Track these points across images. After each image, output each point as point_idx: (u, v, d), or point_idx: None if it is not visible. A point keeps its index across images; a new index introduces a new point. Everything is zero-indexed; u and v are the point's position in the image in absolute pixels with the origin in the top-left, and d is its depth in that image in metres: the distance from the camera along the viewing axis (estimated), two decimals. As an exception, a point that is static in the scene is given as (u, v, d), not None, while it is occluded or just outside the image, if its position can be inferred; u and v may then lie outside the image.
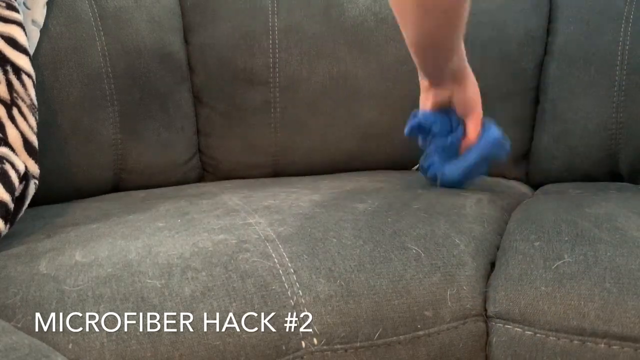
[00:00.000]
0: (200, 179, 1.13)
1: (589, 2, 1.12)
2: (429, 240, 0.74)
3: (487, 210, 0.87)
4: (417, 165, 1.02)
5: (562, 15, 1.14)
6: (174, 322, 0.61)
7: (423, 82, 0.96)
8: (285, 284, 0.65)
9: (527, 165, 1.16)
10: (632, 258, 0.68)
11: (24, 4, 0.90)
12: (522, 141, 1.15)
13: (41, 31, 0.92)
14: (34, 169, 0.80)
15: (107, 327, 0.60)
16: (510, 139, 1.07)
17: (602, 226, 0.75)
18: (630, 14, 1.07)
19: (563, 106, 1.11)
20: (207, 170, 1.14)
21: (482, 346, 0.71)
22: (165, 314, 0.61)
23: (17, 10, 0.84)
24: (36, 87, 0.83)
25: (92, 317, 0.60)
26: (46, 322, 0.60)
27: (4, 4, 0.83)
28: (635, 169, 1.07)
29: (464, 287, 0.70)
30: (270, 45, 1.09)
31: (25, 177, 0.78)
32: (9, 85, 0.80)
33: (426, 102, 0.96)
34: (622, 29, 1.07)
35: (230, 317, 0.62)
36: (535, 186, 1.13)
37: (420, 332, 0.67)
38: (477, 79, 1.14)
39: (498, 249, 0.78)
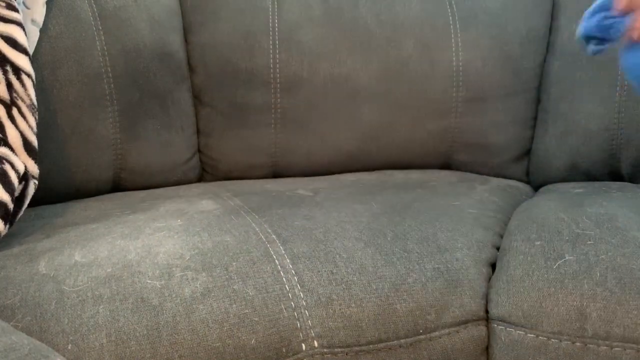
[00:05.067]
0: (200, 179, 1.13)
1: (592, 0, 1.12)
2: (432, 244, 0.73)
3: (488, 211, 0.87)
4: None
5: (564, 14, 1.14)
6: (173, 323, 0.61)
7: None
8: (286, 286, 0.65)
9: (528, 165, 1.16)
10: (633, 258, 0.68)
11: (24, 3, 0.90)
12: (523, 141, 1.15)
13: (41, 31, 0.92)
14: (34, 169, 0.80)
15: (106, 328, 0.60)
16: (510, 139, 1.07)
17: (603, 226, 0.75)
18: (632, 14, 1.07)
19: (564, 106, 1.10)
20: (206, 170, 1.13)
21: (483, 350, 0.70)
22: (165, 314, 0.61)
23: (16, 10, 0.84)
24: (35, 86, 0.83)
25: (91, 318, 0.60)
26: (45, 322, 0.60)
27: (3, 4, 0.82)
28: (637, 169, 1.07)
29: (467, 292, 0.70)
30: (271, 46, 1.09)
31: (24, 177, 0.78)
32: (9, 85, 0.80)
33: None
34: (623, 29, 1.07)
35: (230, 319, 0.62)
36: (536, 186, 1.13)
37: (422, 336, 0.67)
38: (478, 78, 1.14)
39: (499, 250, 0.78)
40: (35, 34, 0.91)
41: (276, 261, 0.67)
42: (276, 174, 1.14)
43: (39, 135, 0.82)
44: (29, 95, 0.81)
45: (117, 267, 0.66)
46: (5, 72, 0.80)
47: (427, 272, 0.70)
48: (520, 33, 1.15)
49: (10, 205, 0.73)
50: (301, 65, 1.09)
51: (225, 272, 0.65)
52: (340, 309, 0.65)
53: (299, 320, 0.64)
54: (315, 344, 0.64)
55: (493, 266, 0.75)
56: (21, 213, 0.78)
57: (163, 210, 0.84)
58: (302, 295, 0.65)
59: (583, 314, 0.65)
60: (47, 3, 0.93)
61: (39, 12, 0.92)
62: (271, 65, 1.09)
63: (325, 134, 1.12)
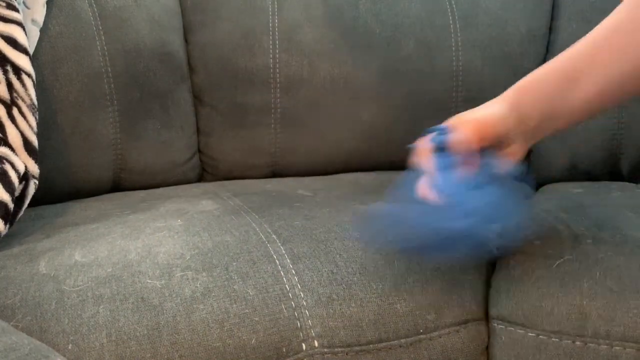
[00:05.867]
0: (200, 178, 1.13)
1: (591, 0, 1.12)
2: (432, 243, 0.73)
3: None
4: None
5: (564, 14, 1.14)
6: (173, 323, 0.61)
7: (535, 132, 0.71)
8: (287, 286, 0.65)
9: (528, 165, 1.16)
10: (633, 258, 0.68)
11: (24, 3, 0.90)
12: (523, 141, 1.15)
13: (41, 30, 0.92)
14: (34, 168, 0.80)
15: (106, 328, 0.60)
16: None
17: (603, 226, 0.75)
18: (632, 14, 1.07)
19: (564, 106, 1.11)
20: (206, 170, 1.13)
21: (483, 349, 0.70)
22: (166, 314, 0.61)
23: (17, 10, 0.84)
24: (36, 86, 0.83)
25: (91, 318, 0.60)
26: (46, 322, 0.60)
27: (4, 4, 0.82)
28: (637, 169, 1.07)
29: (467, 291, 0.70)
30: (271, 46, 1.09)
31: (25, 177, 0.78)
32: (9, 85, 0.80)
33: (517, 152, 0.72)
34: (623, 29, 1.07)
35: (231, 319, 0.62)
36: (536, 186, 1.13)
37: (422, 336, 0.67)
38: (478, 78, 1.14)
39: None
40: (35, 33, 0.91)
41: (276, 261, 0.68)
42: (276, 174, 1.13)
43: (39, 135, 0.82)
44: (29, 95, 0.81)
45: (117, 267, 0.66)
46: (5, 72, 0.80)
47: (427, 272, 0.70)
48: (520, 33, 1.15)
49: (11, 205, 0.74)
50: (301, 65, 1.09)
51: (225, 272, 0.65)
52: (340, 309, 0.65)
53: (299, 320, 0.64)
54: (316, 343, 0.64)
55: (493, 266, 0.75)
56: (21, 213, 0.78)
57: (163, 210, 0.84)
58: (302, 295, 0.65)
59: (583, 313, 0.66)
60: (47, 3, 0.93)
61: (39, 11, 0.92)
62: (271, 65, 1.09)
63: (325, 134, 1.12)
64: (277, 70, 1.09)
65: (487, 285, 0.72)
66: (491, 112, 0.71)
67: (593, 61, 0.69)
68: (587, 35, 0.71)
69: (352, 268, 0.68)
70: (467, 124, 0.70)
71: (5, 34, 0.81)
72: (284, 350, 0.63)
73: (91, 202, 0.94)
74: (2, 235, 0.73)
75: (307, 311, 0.64)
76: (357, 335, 0.65)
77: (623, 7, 0.69)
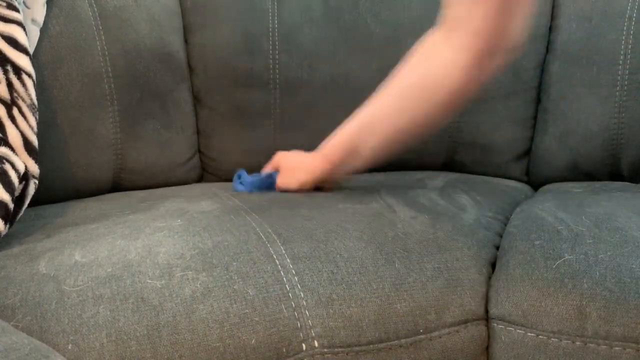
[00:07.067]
0: (200, 179, 1.13)
1: (592, 0, 1.12)
2: (432, 243, 0.73)
3: (487, 211, 0.87)
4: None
5: (565, 13, 1.14)
6: (174, 323, 0.61)
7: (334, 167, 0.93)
8: (287, 286, 0.65)
9: (528, 165, 1.16)
10: (632, 258, 0.68)
11: (24, 3, 0.90)
12: (523, 140, 1.15)
13: (41, 30, 0.92)
14: (34, 168, 0.80)
15: (106, 328, 0.60)
16: (510, 139, 1.06)
17: (603, 226, 0.75)
18: (634, 13, 1.07)
19: (565, 105, 1.11)
20: (206, 170, 1.13)
21: (483, 349, 0.71)
22: (166, 314, 0.61)
23: (17, 10, 0.84)
24: (36, 86, 0.83)
25: (91, 318, 0.60)
26: (46, 322, 0.60)
27: (4, 4, 0.82)
28: (637, 169, 1.07)
29: (467, 291, 0.70)
30: (270, 47, 1.09)
31: (25, 177, 0.78)
32: (9, 85, 0.80)
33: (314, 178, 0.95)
34: (625, 28, 1.07)
35: (231, 319, 0.62)
36: (536, 186, 1.13)
37: (422, 336, 0.67)
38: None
39: (498, 249, 0.78)
40: (35, 33, 0.91)
41: (276, 261, 0.68)
42: (276, 174, 1.13)
43: (39, 135, 0.82)
44: (29, 95, 0.81)
45: (117, 267, 0.66)
46: (5, 72, 0.80)
47: (427, 272, 0.70)
48: (520, 33, 1.15)
49: (11, 205, 0.74)
50: (301, 66, 1.09)
51: (225, 272, 0.65)
52: (340, 309, 0.65)
53: (299, 320, 0.64)
54: (316, 343, 0.64)
55: (493, 266, 0.75)
56: (21, 213, 0.78)
57: (163, 210, 0.84)
58: (302, 295, 0.65)
59: (583, 313, 0.66)
60: (47, 3, 0.93)
61: (39, 11, 0.92)
62: (271, 66, 1.09)
63: (325, 135, 1.12)
64: (277, 72, 1.09)
65: (487, 285, 0.72)
66: (312, 175, 0.94)
67: (375, 125, 0.88)
68: (382, 93, 0.89)
69: (352, 268, 0.68)
70: (292, 179, 0.94)
71: (6, 34, 0.81)
72: (284, 350, 0.63)
73: (91, 202, 0.94)
74: (2, 235, 0.73)
75: (307, 311, 0.64)
76: (357, 335, 0.65)
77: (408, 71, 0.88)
